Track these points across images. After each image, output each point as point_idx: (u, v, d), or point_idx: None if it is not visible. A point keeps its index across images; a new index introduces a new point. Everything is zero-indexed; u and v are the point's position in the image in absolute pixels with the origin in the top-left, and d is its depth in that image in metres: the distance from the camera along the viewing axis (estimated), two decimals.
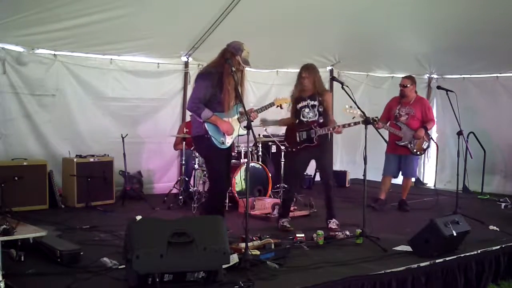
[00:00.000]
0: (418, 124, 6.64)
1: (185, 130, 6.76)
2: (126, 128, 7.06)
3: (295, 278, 3.75)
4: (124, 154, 6.69)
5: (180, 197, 6.69)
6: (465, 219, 4.81)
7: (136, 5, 5.82)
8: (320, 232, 4.86)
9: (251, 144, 6.46)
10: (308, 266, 4.06)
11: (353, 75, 9.06)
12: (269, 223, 5.80)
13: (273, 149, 7.73)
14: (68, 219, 5.61)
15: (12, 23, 5.60)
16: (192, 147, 6.51)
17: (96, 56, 6.88)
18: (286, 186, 7.26)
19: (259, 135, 7.26)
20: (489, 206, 7.26)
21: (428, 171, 9.93)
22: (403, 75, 6.93)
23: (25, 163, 6.13)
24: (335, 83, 5.98)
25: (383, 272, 3.99)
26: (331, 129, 5.36)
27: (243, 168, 6.56)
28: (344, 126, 5.34)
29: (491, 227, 5.60)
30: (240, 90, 4.63)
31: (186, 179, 6.94)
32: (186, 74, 7.67)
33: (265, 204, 6.33)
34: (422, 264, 4.21)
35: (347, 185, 8.75)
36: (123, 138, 6.70)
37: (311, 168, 7.24)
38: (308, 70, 5.51)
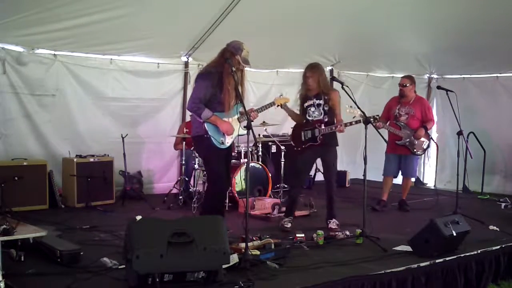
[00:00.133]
0: (418, 123, 6.64)
1: (185, 130, 6.76)
2: (126, 128, 7.06)
3: (295, 278, 3.75)
4: (124, 154, 6.69)
5: (180, 197, 6.70)
6: (465, 219, 4.81)
7: (136, 5, 5.82)
8: (320, 232, 4.86)
9: (251, 144, 6.46)
10: (308, 266, 4.06)
11: (353, 75, 9.06)
12: (269, 223, 5.80)
13: (273, 149, 7.73)
14: (68, 219, 5.61)
15: (12, 23, 5.59)
16: (192, 147, 6.51)
17: (96, 56, 6.88)
18: (286, 185, 7.32)
19: (259, 135, 7.26)
20: (489, 206, 7.26)
21: (428, 171, 9.92)
22: (403, 75, 6.94)
23: (25, 163, 6.13)
24: (335, 83, 5.98)
25: (383, 272, 3.99)
26: (334, 128, 5.36)
27: (243, 168, 6.56)
28: (346, 124, 5.34)
29: (491, 227, 5.60)
30: (240, 90, 4.63)
31: (186, 179, 6.94)
32: (186, 74, 7.67)
33: (265, 204, 6.34)
34: (422, 264, 4.21)
35: (347, 185, 8.75)
36: (123, 138, 6.70)
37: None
38: (312, 69, 5.51)
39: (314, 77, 5.46)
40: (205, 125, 4.59)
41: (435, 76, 9.77)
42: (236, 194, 6.54)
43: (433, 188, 8.70)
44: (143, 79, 7.32)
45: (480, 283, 4.59)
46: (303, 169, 5.73)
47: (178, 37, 6.91)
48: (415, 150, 6.62)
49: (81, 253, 4.02)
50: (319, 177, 8.35)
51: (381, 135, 5.46)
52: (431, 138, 7.20)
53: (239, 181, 6.59)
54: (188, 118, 7.21)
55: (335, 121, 5.45)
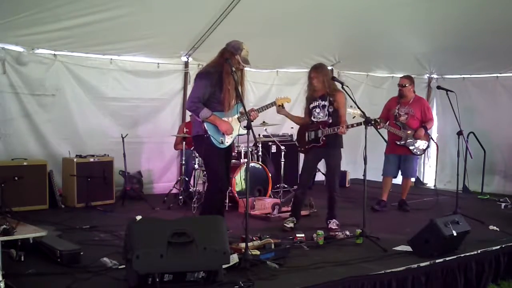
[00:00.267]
0: (418, 123, 6.64)
1: (185, 130, 6.77)
2: (126, 128, 7.06)
3: (295, 278, 3.76)
4: (124, 154, 6.68)
5: (180, 197, 6.70)
6: (465, 219, 4.81)
7: (136, 5, 5.82)
8: (320, 232, 4.86)
9: (251, 144, 6.46)
10: (308, 266, 4.06)
11: (353, 75, 9.06)
12: (269, 223, 5.80)
13: (273, 149, 7.73)
14: (68, 219, 5.61)
15: (12, 23, 5.59)
16: (192, 147, 6.51)
17: (96, 56, 6.88)
18: (286, 186, 7.33)
19: (259, 135, 7.26)
20: (489, 206, 7.26)
21: (428, 171, 9.93)
22: (402, 75, 6.94)
23: (25, 163, 6.13)
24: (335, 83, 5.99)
25: (383, 272, 3.99)
26: (336, 129, 5.36)
27: (243, 168, 6.56)
28: (348, 126, 5.34)
29: (491, 227, 5.61)
30: (240, 90, 4.63)
31: (186, 179, 6.94)
32: (186, 74, 7.67)
33: (265, 204, 6.34)
34: (422, 264, 4.21)
35: (347, 185, 8.75)
36: (123, 138, 6.70)
37: None
38: (317, 70, 5.51)
39: (319, 77, 5.46)
40: (205, 124, 4.59)
41: (435, 76, 9.77)
42: (236, 194, 6.54)
43: (433, 188, 8.70)
44: (143, 79, 7.32)
45: (480, 283, 4.60)
46: (307, 170, 5.73)
47: (178, 37, 6.91)
48: (414, 150, 6.62)
49: (81, 253, 4.02)
50: (319, 177, 8.36)
51: (381, 135, 5.47)
52: (431, 138, 7.20)
53: (239, 181, 6.59)
54: (188, 118, 7.22)
55: (340, 123, 5.43)
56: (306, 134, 5.60)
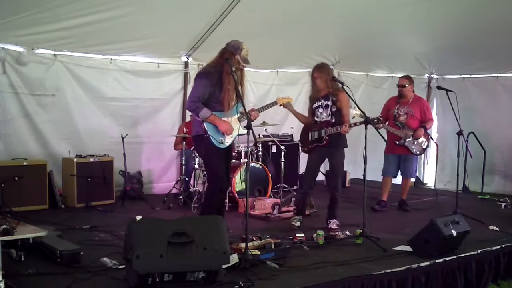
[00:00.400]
0: (417, 123, 6.64)
1: (185, 130, 6.77)
2: (126, 128, 7.06)
3: (295, 278, 3.76)
4: (124, 154, 6.68)
5: (180, 197, 6.70)
6: (465, 219, 4.81)
7: (136, 5, 5.82)
8: (320, 232, 4.86)
9: (251, 144, 6.46)
10: (308, 266, 4.06)
11: (353, 75, 9.06)
12: (269, 223, 5.81)
13: (273, 149, 7.73)
14: (68, 219, 5.61)
15: (12, 23, 5.59)
16: (192, 147, 6.51)
17: (96, 56, 6.87)
18: (285, 185, 7.33)
19: (259, 135, 7.26)
20: (489, 206, 7.26)
21: (428, 171, 9.93)
22: (401, 76, 6.94)
23: (25, 163, 6.13)
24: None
25: (383, 272, 3.99)
26: (338, 128, 5.36)
27: (243, 168, 6.56)
28: (350, 125, 5.35)
29: (491, 227, 5.61)
30: (240, 90, 4.62)
31: (186, 179, 6.94)
32: (186, 74, 7.67)
33: (265, 204, 6.34)
34: (422, 264, 4.22)
35: (347, 185, 8.75)
36: (123, 138, 6.69)
37: None
38: (320, 69, 5.53)
39: (322, 77, 5.47)
40: (205, 124, 4.59)
41: (435, 76, 9.77)
42: (236, 194, 6.54)
43: (433, 188, 8.71)
44: (143, 79, 7.32)
45: (480, 283, 4.59)
46: (310, 169, 5.73)
47: (178, 37, 6.91)
48: (414, 150, 6.62)
49: (81, 253, 4.02)
50: (319, 177, 8.35)
51: (381, 135, 5.47)
52: (431, 138, 7.20)
53: (239, 181, 6.59)
54: (188, 118, 7.22)
55: (343, 122, 5.44)
56: (309, 134, 5.62)
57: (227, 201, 6.24)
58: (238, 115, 4.79)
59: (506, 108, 8.71)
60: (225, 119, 4.67)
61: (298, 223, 5.52)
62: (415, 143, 6.60)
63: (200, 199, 6.22)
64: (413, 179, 7.55)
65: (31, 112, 6.45)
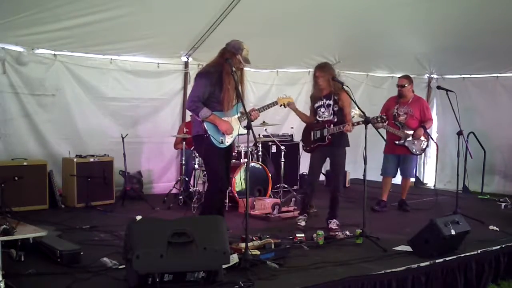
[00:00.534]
0: (417, 123, 6.64)
1: (185, 130, 6.76)
2: (126, 128, 7.06)
3: (295, 278, 3.76)
4: (124, 154, 6.68)
5: (180, 197, 6.70)
6: (465, 219, 4.81)
7: (136, 5, 5.82)
8: (320, 232, 4.86)
9: (251, 144, 6.46)
10: (308, 266, 4.06)
11: (353, 75, 9.05)
12: (269, 223, 5.81)
13: (273, 149, 7.73)
14: (68, 219, 5.61)
15: (12, 23, 5.59)
16: (192, 147, 6.51)
17: (96, 56, 6.87)
18: (285, 185, 7.32)
19: (259, 135, 7.26)
20: (489, 206, 7.26)
21: (428, 171, 9.93)
22: (400, 76, 6.94)
23: (25, 163, 6.13)
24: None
25: (383, 272, 4.00)
26: (341, 127, 5.36)
27: (243, 168, 6.56)
28: (353, 124, 5.35)
29: (491, 227, 5.61)
30: (240, 89, 4.62)
31: (186, 179, 6.94)
32: (186, 74, 7.66)
33: (265, 204, 6.34)
34: (422, 264, 4.22)
35: (347, 185, 8.75)
36: (123, 138, 6.69)
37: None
38: (322, 69, 5.54)
39: (324, 76, 5.48)
40: (205, 124, 4.59)
41: (435, 76, 9.77)
42: (236, 194, 6.54)
43: (433, 188, 8.71)
44: (143, 79, 7.32)
45: (480, 283, 4.60)
46: (313, 169, 5.73)
47: (178, 37, 6.91)
48: (414, 150, 6.62)
49: (81, 253, 4.02)
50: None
51: (381, 135, 5.48)
52: (431, 137, 7.19)
53: (239, 181, 6.59)
54: (188, 118, 7.22)
55: (345, 122, 5.44)
56: (312, 133, 5.62)
57: (227, 201, 6.24)
58: (239, 115, 4.79)
59: (506, 108, 8.72)
60: (225, 119, 4.67)
61: (303, 223, 5.58)
62: (415, 143, 6.60)
63: (200, 199, 6.22)
64: (413, 179, 7.55)
65: (31, 112, 6.45)
